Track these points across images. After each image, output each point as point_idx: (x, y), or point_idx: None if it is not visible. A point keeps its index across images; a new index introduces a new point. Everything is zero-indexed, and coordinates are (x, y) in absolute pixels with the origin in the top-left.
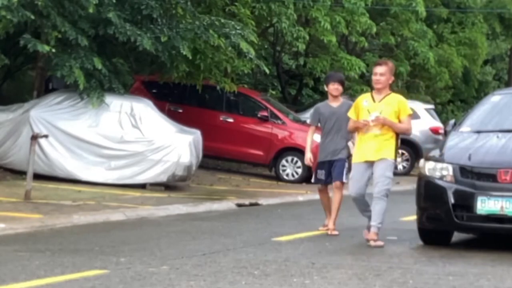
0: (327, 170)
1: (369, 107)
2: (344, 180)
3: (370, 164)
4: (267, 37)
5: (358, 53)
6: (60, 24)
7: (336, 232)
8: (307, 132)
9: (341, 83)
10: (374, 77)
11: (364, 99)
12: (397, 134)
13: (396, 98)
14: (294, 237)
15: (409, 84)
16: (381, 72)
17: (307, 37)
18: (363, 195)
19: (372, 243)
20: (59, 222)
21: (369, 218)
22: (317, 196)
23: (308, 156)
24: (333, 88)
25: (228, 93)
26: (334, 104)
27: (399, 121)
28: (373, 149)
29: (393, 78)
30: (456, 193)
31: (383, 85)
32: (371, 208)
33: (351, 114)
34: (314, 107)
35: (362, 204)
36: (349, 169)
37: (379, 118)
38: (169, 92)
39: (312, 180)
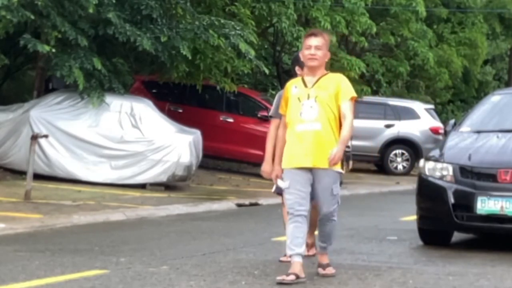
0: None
1: (300, 94)
2: None
3: (308, 169)
4: (267, 37)
5: (358, 53)
6: (60, 24)
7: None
8: None
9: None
10: (307, 52)
11: (293, 85)
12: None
13: (334, 78)
14: None
15: (409, 84)
16: (317, 45)
17: None
18: (306, 209)
19: (320, 271)
20: (59, 222)
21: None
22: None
23: (268, 168)
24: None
25: (228, 93)
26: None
27: (338, 108)
28: (311, 151)
29: (329, 54)
30: (456, 193)
31: (320, 62)
32: (317, 229)
33: (282, 109)
34: (278, 93)
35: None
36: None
37: (333, 158)
38: (169, 92)
39: (273, 190)
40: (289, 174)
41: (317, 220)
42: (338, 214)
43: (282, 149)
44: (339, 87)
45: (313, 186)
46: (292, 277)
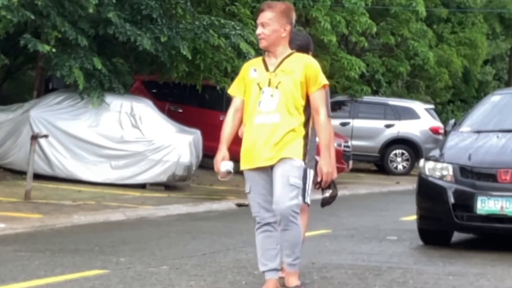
0: None
1: (260, 79)
2: (308, 202)
3: (268, 169)
4: None
5: (358, 53)
6: (60, 24)
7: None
8: None
9: (299, 50)
10: (257, 31)
11: (252, 67)
12: (309, 122)
13: (301, 61)
14: None
15: (409, 84)
16: (263, 22)
17: None
18: (272, 216)
19: None
20: (59, 222)
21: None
22: (316, 196)
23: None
24: None
25: (228, 93)
26: None
27: (307, 98)
28: (269, 148)
29: (289, 26)
30: (456, 193)
31: (269, 41)
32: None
33: (233, 90)
34: None
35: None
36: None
37: (325, 174)
38: (169, 92)
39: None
40: (249, 176)
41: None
42: (336, 214)
43: (230, 134)
44: (308, 73)
45: None
46: None
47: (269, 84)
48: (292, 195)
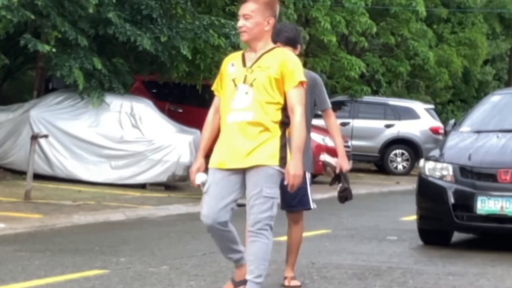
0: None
1: (236, 76)
2: (314, 206)
3: (238, 172)
4: None
5: (358, 53)
6: (60, 24)
7: (297, 283)
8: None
9: (288, 43)
10: (238, 24)
11: (231, 61)
12: (286, 122)
13: (279, 56)
14: None
15: (409, 84)
16: (245, 14)
17: (307, 37)
18: (224, 222)
19: None
20: (59, 222)
21: (237, 262)
22: (317, 196)
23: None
24: None
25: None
26: None
27: (282, 94)
28: (241, 149)
29: (273, 19)
30: (456, 193)
31: (251, 35)
32: (241, 248)
33: (215, 87)
34: None
35: (224, 238)
36: None
37: (293, 176)
38: (169, 92)
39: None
40: (213, 176)
41: (294, 245)
42: (336, 214)
43: (208, 138)
44: (284, 69)
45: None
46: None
47: (244, 81)
48: (266, 207)
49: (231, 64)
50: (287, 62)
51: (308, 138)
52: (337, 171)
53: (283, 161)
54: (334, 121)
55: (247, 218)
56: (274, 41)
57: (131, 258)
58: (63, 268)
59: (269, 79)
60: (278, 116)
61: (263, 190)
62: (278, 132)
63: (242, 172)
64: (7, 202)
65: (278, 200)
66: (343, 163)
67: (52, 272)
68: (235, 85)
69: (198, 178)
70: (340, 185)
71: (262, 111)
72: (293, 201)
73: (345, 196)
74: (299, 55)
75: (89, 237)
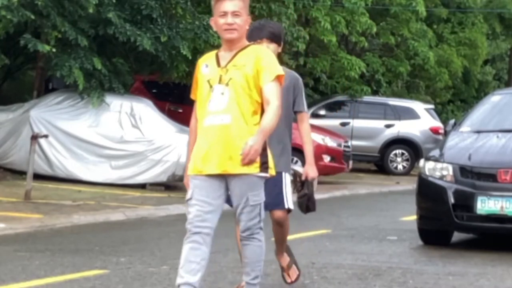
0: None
1: (210, 76)
2: (290, 206)
3: (220, 178)
4: None
5: (358, 53)
6: (60, 24)
7: (295, 273)
8: None
9: (273, 39)
10: (222, 20)
11: (204, 62)
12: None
13: (254, 53)
14: (294, 237)
15: (409, 84)
16: (235, 11)
17: (307, 37)
18: (211, 229)
19: None
20: (59, 222)
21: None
22: (317, 196)
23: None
24: None
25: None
26: None
27: (260, 92)
28: (219, 154)
29: (249, 19)
30: (456, 193)
31: (240, 33)
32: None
33: (193, 93)
34: None
35: (199, 251)
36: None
37: (246, 153)
38: (169, 92)
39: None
40: (195, 183)
41: (281, 237)
42: (336, 214)
43: (193, 146)
44: (260, 65)
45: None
46: None
47: (220, 81)
48: (253, 215)
49: (205, 65)
50: (262, 57)
51: (289, 139)
52: (303, 178)
53: (264, 166)
54: (306, 126)
55: (237, 223)
56: (257, 38)
57: (131, 258)
58: (63, 268)
59: (246, 77)
60: (257, 118)
61: (249, 199)
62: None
63: (224, 176)
64: (7, 202)
65: (263, 203)
66: (309, 171)
67: (52, 272)
68: (211, 86)
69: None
70: (302, 191)
71: (239, 114)
72: (266, 200)
73: (305, 204)
74: (282, 53)
75: (89, 237)
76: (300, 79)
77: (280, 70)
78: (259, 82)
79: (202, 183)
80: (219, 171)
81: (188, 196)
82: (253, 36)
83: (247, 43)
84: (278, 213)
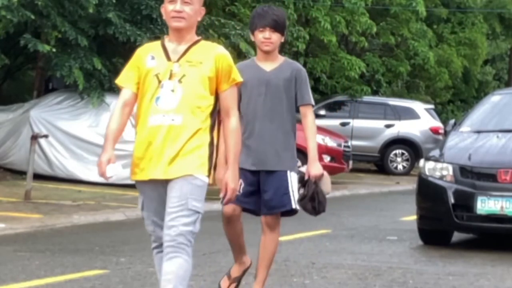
0: (254, 188)
1: (159, 70)
2: (297, 207)
3: (163, 182)
4: None
5: (358, 53)
6: (60, 24)
7: None
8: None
9: (277, 28)
10: (170, 7)
11: (150, 53)
12: (216, 123)
13: (211, 51)
14: (294, 237)
15: (409, 84)
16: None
17: (307, 37)
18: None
19: None
20: (59, 222)
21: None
22: None
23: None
24: (262, 38)
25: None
26: (266, 65)
27: (215, 94)
28: (165, 156)
29: (203, 11)
30: (456, 193)
31: (189, 23)
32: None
33: (122, 80)
34: None
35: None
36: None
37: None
38: None
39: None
40: (142, 190)
41: (267, 257)
42: (337, 214)
43: (118, 130)
44: (219, 67)
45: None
46: None
47: (170, 77)
48: (189, 220)
49: (150, 57)
50: (222, 58)
51: (293, 138)
52: (306, 177)
53: (210, 171)
54: (311, 119)
55: (163, 233)
56: (259, 26)
57: (131, 258)
58: (63, 268)
59: (202, 77)
60: (208, 120)
61: (188, 202)
62: (207, 138)
63: (164, 184)
64: (7, 202)
65: (201, 216)
66: (310, 169)
67: (52, 272)
68: (160, 82)
69: (110, 170)
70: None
71: (191, 114)
72: (271, 202)
73: (310, 205)
74: (282, 53)
75: (89, 237)
76: (303, 70)
77: (238, 76)
78: (217, 85)
79: (150, 191)
80: (165, 176)
81: (139, 205)
82: (255, 23)
83: (197, 37)
84: (270, 218)
